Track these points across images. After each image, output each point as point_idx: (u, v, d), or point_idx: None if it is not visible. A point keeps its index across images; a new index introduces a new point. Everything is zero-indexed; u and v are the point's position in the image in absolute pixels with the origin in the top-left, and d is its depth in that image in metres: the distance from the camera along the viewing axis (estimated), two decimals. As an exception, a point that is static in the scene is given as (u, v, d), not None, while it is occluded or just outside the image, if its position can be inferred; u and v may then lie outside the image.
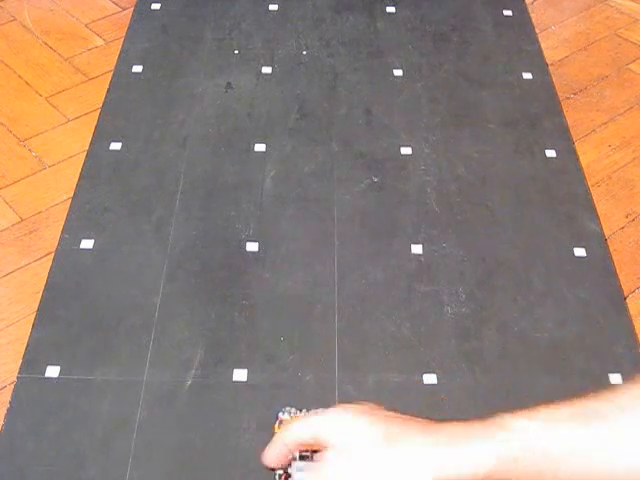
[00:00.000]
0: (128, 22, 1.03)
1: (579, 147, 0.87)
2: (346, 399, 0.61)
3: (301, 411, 0.59)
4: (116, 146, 0.84)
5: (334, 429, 0.46)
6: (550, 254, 0.74)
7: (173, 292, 0.70)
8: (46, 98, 0.92)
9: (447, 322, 0.68)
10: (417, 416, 0.59)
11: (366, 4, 1.06)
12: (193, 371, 0.64)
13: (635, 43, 1.03)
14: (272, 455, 0.48)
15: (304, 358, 0.65)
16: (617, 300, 0.71)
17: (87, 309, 0.68)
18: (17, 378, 0.63)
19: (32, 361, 0.64)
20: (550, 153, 0.85)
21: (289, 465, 0.56)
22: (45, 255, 0.74)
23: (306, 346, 0.66)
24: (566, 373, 0.65)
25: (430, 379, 0.64)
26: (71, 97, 0.92)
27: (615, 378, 0.64)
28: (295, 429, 0.47)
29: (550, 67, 0.98)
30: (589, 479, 0.43)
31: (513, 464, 0.43)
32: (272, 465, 0.48)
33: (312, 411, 0.59)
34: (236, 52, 0.98)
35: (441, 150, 0.85)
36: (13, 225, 0.77)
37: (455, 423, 0.44)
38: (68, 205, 0.78)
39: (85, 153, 0.84)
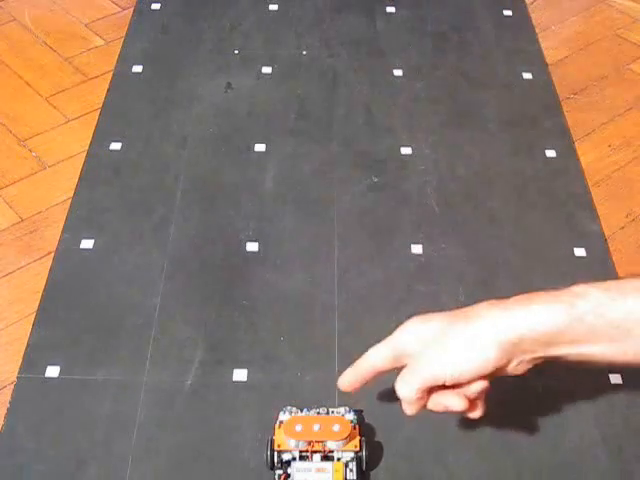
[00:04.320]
0: (128, 22, 1.03)
1: (579, 147, 0.87)
2: (346, 399, 0.61)
3: (301, 411, 0.59)
4: (116, 146, 0.84)
5: (409, 336, 0.51)
6: (550, 254, 0.74)
7: (173, 292, 0.70)
8: (46, 98, 0.92)
9: (447, 322, 0.68)
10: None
11: (366, 4, 1.06)
12: (193, 371, 0.64)
13: (635, 43, 1.03)
14: (348, 379, 0.53)
15: (304, 358, 0.65)
16: (617, 300, 0.71)
17: (87, 309, 0.68)
18: (17, 378, 0.63)
19: (32, 361, 0.64)
20: (550, 153, 0.85)
21: (289, 465, 0.56)
22: (45, 255, 0.74)
23: (306, 346, 0.66)
24: (566, 373, 0.65)
25: (430, 379, 0.63)
26: (71, 97, 0.92)
27: (615, 378, 0.64)
28: (373, 352, 0.52)
29: (550, 67, 0.98)
30: None
31: (580, 325, 0.45)
32: (348, 389, 0.54)
33: (313, 410, 0.59)
34: (236, 52, 0.98)
35: (441, 150, 0.85)
36: (13, 225, 0.77)
37: (525, 295, 0.47)
38: (68, 205, 0.78)
39: (85, 153, 0.84)
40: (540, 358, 0.48)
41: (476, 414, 0.50)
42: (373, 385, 0.62)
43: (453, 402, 0.49)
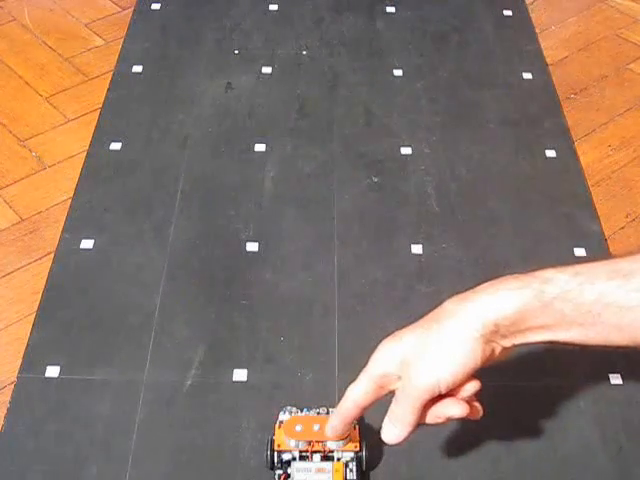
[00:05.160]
0: (128, 22, 1.03)
1: (579, 147, 0.87)
2: (346, 399, 0.61)
3: (302, 411, 0.59)
4: (116, 146, 0.84)
5: (386, 361, 0.48)
6: (550, 254, 0.74)
7: (173, 292, 0.70)
8: (46, 98, 0.92)
9: (447, 322, 0.68)
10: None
11: (366, 4, 1.06)
12: (193, 371, 0.64)
13: (635, 43, 1.03)
14: (336, 426, 0.52)
15: (304, 358, 0.65)
16: (617, 300, 0.71)
17: (87, 309, 0.68)
18: (17, 378, 0.63)
19: (32, 361, 0.64)
20: (550, 153, 0.85)
21: (289, 465, 0.56)
22: (45, 255, 0.74)
23: (306, 346, 0.66)
24: (566, 373, 0.65)
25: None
26: (71, 97, 0.92)
27: (615, 378, 0.64)
28: (352, 389, 0.49)
29: (550, 67, 0.98)
30: (620, 336, 0.45)
31: (549, 311, 0.44)
32: (339, 436, 0.53)
33: (313, 410, 0.59)
34: (236, 52, 0.98)
35: (441, 150, 0.85)
36: (13, 225, 0.77)
37: (490, 282, 0.47)
38: (68, 205, 0.78)
39: (85, 153, 0.84)
40: (520, 344, 0.47)
41: (478, 415, 0.49)
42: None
43: (454, 410, 0.47)
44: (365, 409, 0.49)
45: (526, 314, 0.45)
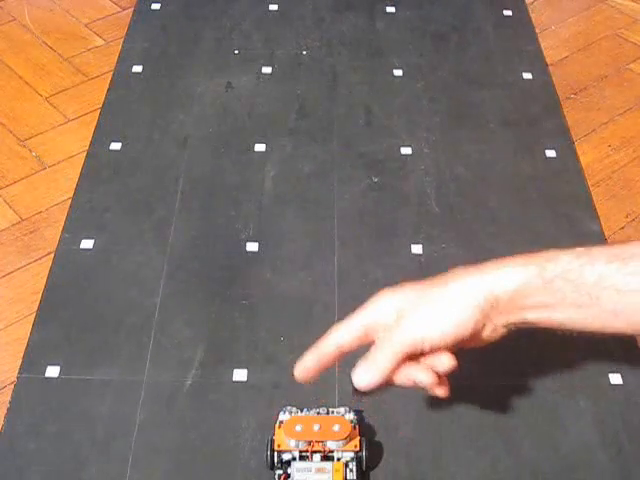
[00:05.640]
0: (128, 22, 1.03)
1: (579, 147, 0.87)
2: (346, 399, 0.61)
3: (302, 411, 0.59)
4: (116, 146, 0.84)
5: (383, 306, 0.50)
6: (550, 254, 0.74)
7: (173, 292, 0.70)
8: (46, 98, 0.92)
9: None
10: (416, 414, 0.59)
11: (366, 4, 1.06)
12: (193, 371, 0.64)
13: (635, 43, 1.03)
14: (308, 365, 0.51)
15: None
16: (617, 300, 0.71)
17: (87, 309, 0.68)
18: (17, 378, 0.63)
19: (32, 361, 0.64)
20: (550, 153, 0.85)
21: (289, 465, 0.56)
22: (45, 255, 0.74)
23: (306, 346, 0.66)
24: (566, 373, 0.65)
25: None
26: (71, 97, 0.92)
27: (615, 378, 0.64)
28: (341, 328, 0.50)
29: (550, 67, 0.98)
30: (616, 321, 0.46)
31: (550, 289, 0.45)
32: (305, 377, 0.51)
33: (313, 410, 0.59)
34: (236, 52, 0.98)
35: (441, 150, 0.85)
36: (13, 225, 0.77)
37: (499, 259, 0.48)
38: (68, 205, 0.78)
39: (85, 153, 0.84)
40: (513, 323, 0.48)
41: (442, 391, 0.49)
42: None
43: (423, 376, 0.48)
44: (342, 355, 0.50)
45: (527, 290, 0.46)
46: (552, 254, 0.46)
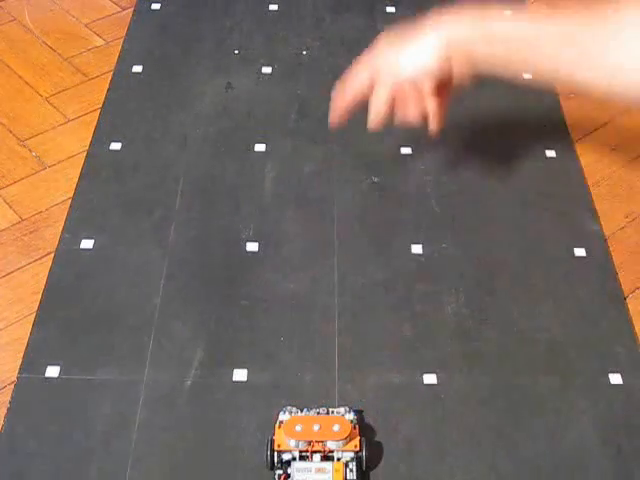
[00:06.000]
0: (128, 22, 1.03)
1: (579, 147, 0.87)
2: (346, 399, 0.61)
3: (302, 411, 0.59)
4: (116, 146, 0.84)
5: (379, 57, 0.67)
6: (550, 254, 0.74)
7: (173, 292, 0.70)
8: (46, 98, 0.92)
9: (447, 322, 0.68)
10: (416, 414, 0.60)
11: (366, 4, 1.06)
12: (193, 371, 0.64)
13: (635, 43, 1.03)
14: (341, 107, 0.70)
15: (304, 358, 0.65)
16: (617, 300, 0.71)
17: (87, 309, 0.68)
18: (17, 378, 0.63)
19: (32, 361, 0.64)
20: (550, 153, 0.85)
21: (289, 465, 0.56)
22: (45, 255, 0.74)
23: (306, 346, 0.67)
24: (566, 373, 0.65)
25: (430, 379, 0.64)
26: (71, 97, 0.92)
27: (615, 378, 0.64)
28: (356, 77, 0.68)
29: (550, 67, 0.98)
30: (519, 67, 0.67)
31: (490, 38, 0.63)
32: (341, 116, 0.70)
33: (313, 410, 0.59)
34: (236, 52, 0.98)
35: (441, 150, 0.85)
36: (13, 225, 0.77)
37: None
38: (68, 205, 0.78)
39: (85, 153, 0.84)
40: (473, 58, 0.63)
41: (435, 124, 0.68)
42: (373, 386, 0.62)
43: (411, 111, 0.67)
44: (359, 99, 0.68)
45: (472, 39, 0.63)
46: (493, 12, 0.63)
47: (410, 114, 0.67)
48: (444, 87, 0.66)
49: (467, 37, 0.62)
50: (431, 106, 0.66)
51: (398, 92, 0.65)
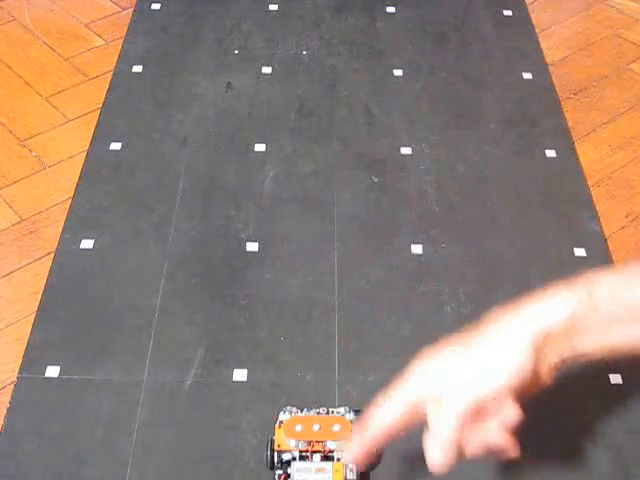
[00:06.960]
0: (128, 22, 1.03)
1: (579, 147, 0.87)
2: (346, 399, 0.61)
3: (302, 411, 0.59)
4: (116, 146, 0.84)
5: (424, 375, 0.45)
6: (550, 254, 0.74)
7: (173, 292, 0.70)
8: (46, 98, 0.92)
9: (447, 322, 0.68)
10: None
11: (366, 4, 1.06)
12: (193, 371, 0.64)
13: (635, 43, 1.03)
14: (357, 452, 0.47)
15: (304, 358, 0.65)
16: (617, 300, 0.71)
17: (87, 309, 0.68)
18: (17, 378, 0.63)
19: (32, 361, 0.64)
20: (550, 153, 0.85)
21: (289, 465, 0.56)
22: (45, 255, 0.74)
23: (306, 346, 0.67)
24: (566, 373, 0.65)
25: (430, 379, 0.63)
26: (71, 97, 0.92)
27: (615, 378, 0.64)
28: (385, 410, 0.45)
29: (550, 67, 0.98)
30: None
31: (596, 311, 0.43)
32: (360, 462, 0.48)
33: (313, 410, 0.59)
34: (236, 52, 0.98)
35: (441, 150, 0.85)
36: (13, 225, 0.77)
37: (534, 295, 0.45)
38: (68, 205, 0.78)
39: (85, 153, 0.84)
40: (566, 359, 0.45)
41: (515, 451, 0.45)
42: (373, 386, 0.62)
43: (494, 436, 0.43)
44: (392, 438, 0.45)
45: (577, 319, 0.43)
46: (592, 278, 0.44)
47: (492, 439, 0.44)
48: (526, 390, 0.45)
49: (570, 321, 0.43)
50: (512, 422, 0.44)
51: (467, 419, 0.43)
